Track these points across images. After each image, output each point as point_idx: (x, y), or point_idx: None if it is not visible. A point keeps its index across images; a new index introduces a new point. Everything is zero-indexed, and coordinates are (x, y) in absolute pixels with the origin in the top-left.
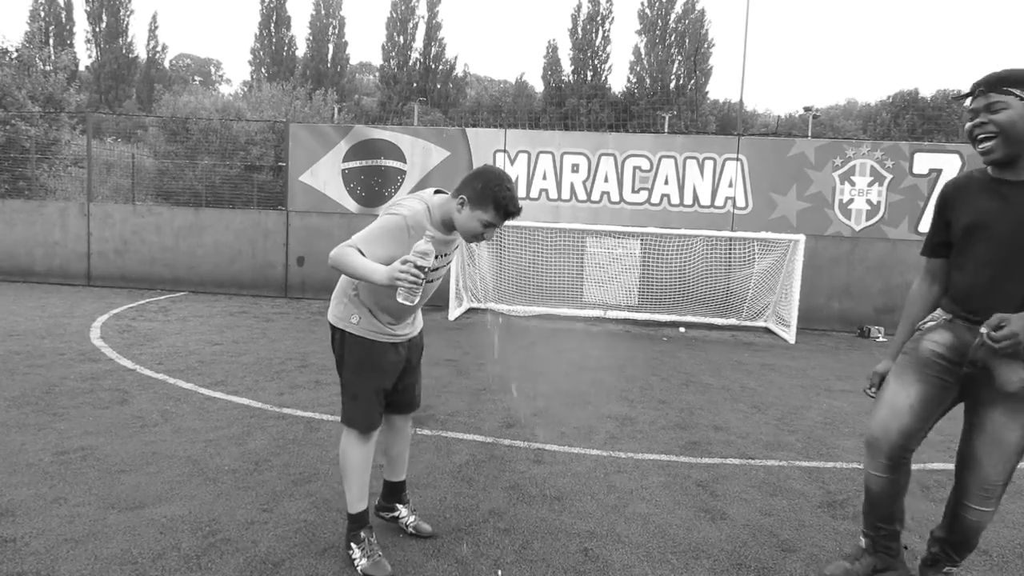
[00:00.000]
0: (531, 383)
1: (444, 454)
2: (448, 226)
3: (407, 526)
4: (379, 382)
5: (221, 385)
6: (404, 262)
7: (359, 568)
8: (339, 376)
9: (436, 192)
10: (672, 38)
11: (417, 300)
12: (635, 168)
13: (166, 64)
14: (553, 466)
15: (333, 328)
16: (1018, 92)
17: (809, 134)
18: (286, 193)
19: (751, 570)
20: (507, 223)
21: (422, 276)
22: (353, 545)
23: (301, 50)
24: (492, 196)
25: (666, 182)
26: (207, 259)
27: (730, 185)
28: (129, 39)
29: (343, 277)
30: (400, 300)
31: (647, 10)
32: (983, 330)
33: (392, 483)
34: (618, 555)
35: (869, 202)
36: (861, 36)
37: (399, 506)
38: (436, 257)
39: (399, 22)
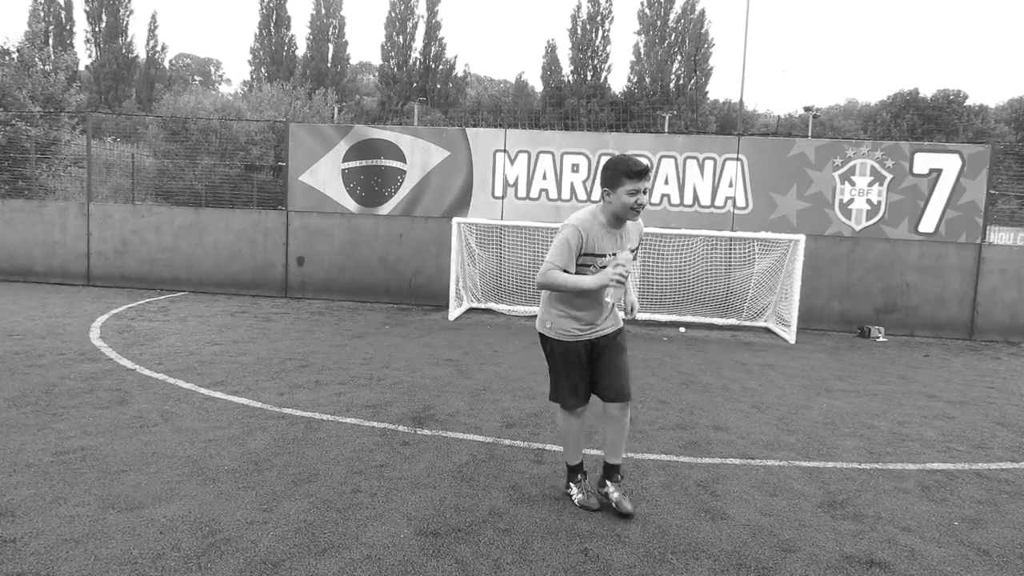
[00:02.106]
0: (531, 384)
1: (444, 454)
2: (618, 219)
3: (613, 503)
4: (569, 370)
5: (221, 385)
6: (615, 265)
7: (575, 500)
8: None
9: (594, 204)
10: (672, 38)
11: (619, 298)
12: None
13: (166, 64)
14: (553, 466)
15: (539, 335)
16: None
17: (809, 134)
18: (286, 193)
19: (751, 570)
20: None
21: (625, 277)
22: (572, 484)
23: (301, 50)
24: (618, 170)
25: (666, 182)
26: (207, 259)
27: (730, 185)
28: (129, 39)
29: (544, 294)
30: (608, 299)
31: (646, 10)
32: None
33: (605, 464)
34: (618, 555)
35: (869, 202)
36: (861, 36)
37: (608, 483)
38: (614, 255)
39: (398, 22)
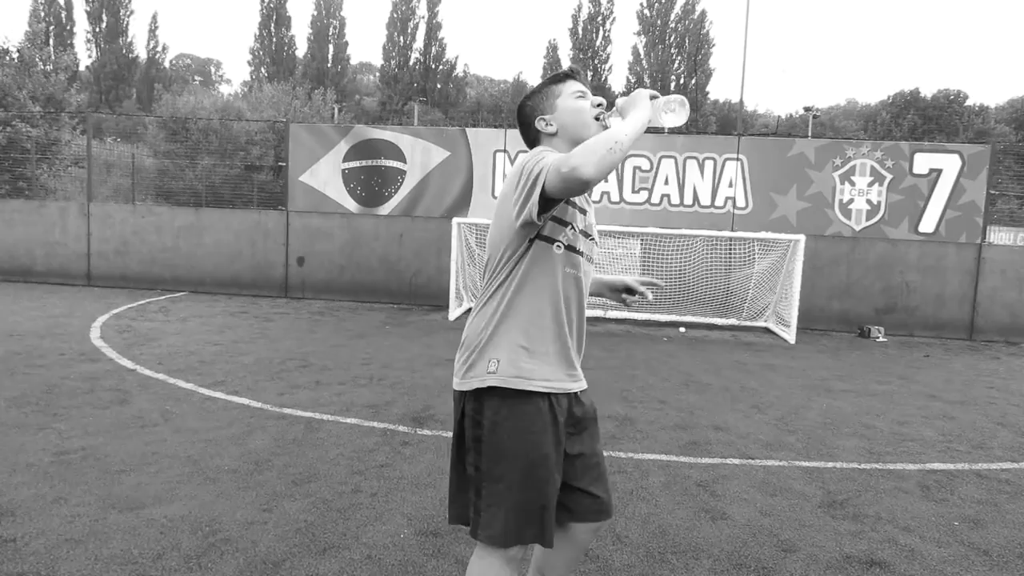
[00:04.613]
0: None
1: (444, 454)
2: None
3: None
4: (543, 461)
5: (221, 385)
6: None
7: None
8: (467, 464)
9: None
10: (672, 38)
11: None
12: (635, 168)
13: (166, 64)
14: None
15: (458, 398)
16: None
17: (809, 134)
18: (286, 193)
19: (751, 570)
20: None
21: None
22: None
23: (301, 50)
24: (544, 84)
25: (666, 182)
26: (207, 259)
27: (730, 185)
28: (129, 39)
29: (469, 326)
30: (673, 123)
31: (646, 10)
32: None
33: None
34: (618, 555)
35: (869, 202)
36: (861, 36)
37: None
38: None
39: (400, 22)
